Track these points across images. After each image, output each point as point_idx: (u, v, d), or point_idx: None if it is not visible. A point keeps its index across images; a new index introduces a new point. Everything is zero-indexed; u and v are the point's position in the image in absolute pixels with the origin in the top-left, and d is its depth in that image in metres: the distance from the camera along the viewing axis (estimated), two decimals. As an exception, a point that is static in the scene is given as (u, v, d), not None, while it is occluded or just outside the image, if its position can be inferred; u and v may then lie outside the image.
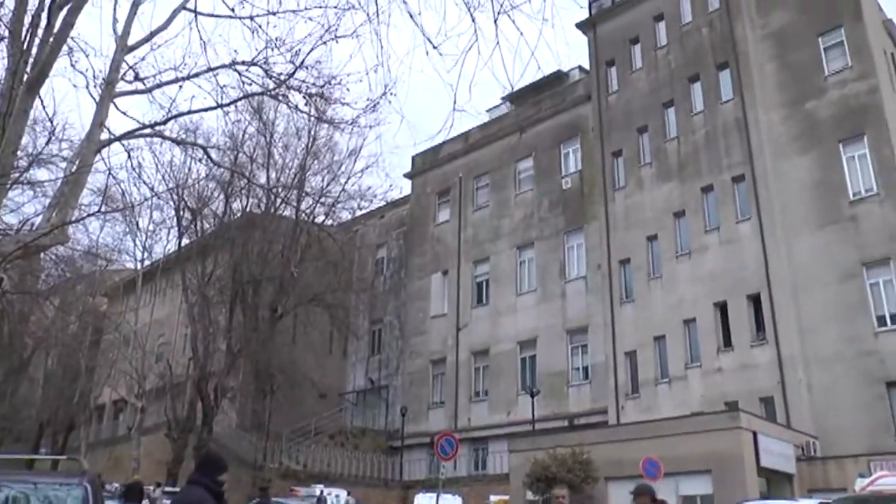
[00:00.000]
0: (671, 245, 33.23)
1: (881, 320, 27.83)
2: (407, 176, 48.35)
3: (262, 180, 38.42)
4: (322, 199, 40.70)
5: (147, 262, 44.23)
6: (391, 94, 13.90)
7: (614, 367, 33.17)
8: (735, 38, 33.82)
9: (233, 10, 12.85)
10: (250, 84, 14.36)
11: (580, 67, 42.68)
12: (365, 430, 43.07)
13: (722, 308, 31.10)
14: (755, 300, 30.36)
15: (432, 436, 34.03)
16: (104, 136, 12.94)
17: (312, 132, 39.10)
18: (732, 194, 32.16)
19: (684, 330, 31.76)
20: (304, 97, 14.48)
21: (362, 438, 41.64)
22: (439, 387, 41.64)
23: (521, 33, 9.28)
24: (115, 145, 13.69)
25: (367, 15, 10.72)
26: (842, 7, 31.87)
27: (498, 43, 9.22)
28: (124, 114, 13.73)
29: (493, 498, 28.13)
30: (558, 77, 41.23)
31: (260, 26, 13.19)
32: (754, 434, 22.97)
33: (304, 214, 40.49)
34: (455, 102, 9.82)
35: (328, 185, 41.08)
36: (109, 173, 17.36)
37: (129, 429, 45.87)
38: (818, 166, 30.70)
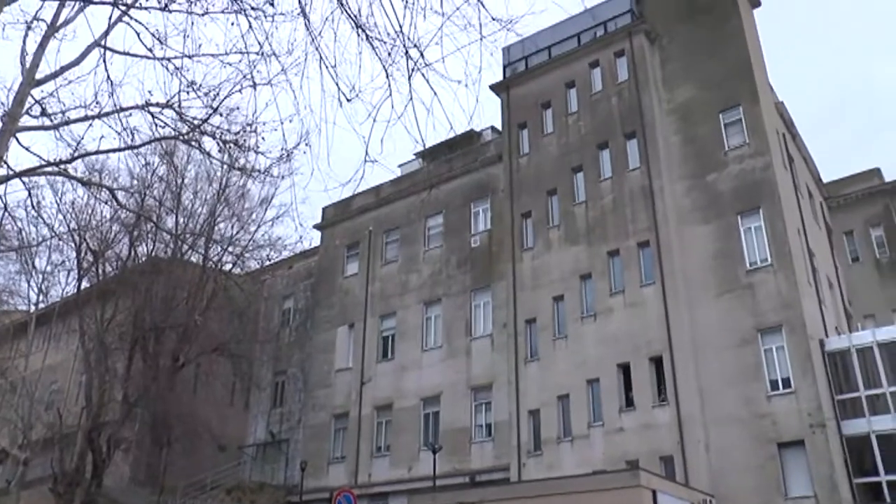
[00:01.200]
0: (577, 306, 33.57)
1: (774, 384, 28.81)
2: (317, 227, 47.59)
3: (170, 225, 37.37)
4: (230, 247, 39.74)
5: (42, 305, 42.30)
6: (305, 144, 13.69)
7: (517, 425, 32.96)
8: (642, 110, 34.92)
9: (150, 50, 12.49)
10: (163, 127, 13.93)
11: (493, 128, 43.30)
12: (263, 484, 41.62)
13: (625, 369, 31.45)
14: (657, 362, 30.84)
15: (331, 491, 33.19)
16: (2, 171, 12.32)
17: (224, 179, 38.40)
18: (638, 259, 32.82)
19: (588, 389, 31.91)
20: (217, 143, 14.11)
21: (260, 493, 40.23)
22: (341, 441, 40.60)
23: (435, 93, 9.26)
24: (14, 182, 13.04)
25: (283, 66, 10.56)
26: (740, 88, 33.51)
27: (411, 99, 9.17)
28: (27, 149, 13.13)
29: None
30: (471, 136, 41.66)
31: (177, 68, 12.85)
32: (653, 492, 23.04)
33: (211, 262, 39.47)
34: (367, 154, 9.69)
35: (237, 232, 40.22)
36: (6, 210, 16.56)
37: (9, 482, 43.23)
38: (718, 236, 31.82)
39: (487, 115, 75.65)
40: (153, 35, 12.46)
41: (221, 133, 13.90)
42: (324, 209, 47.47)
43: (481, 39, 9.17)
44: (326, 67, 9.92)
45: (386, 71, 9.63)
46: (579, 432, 31.42)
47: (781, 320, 29.39)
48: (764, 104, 33.62)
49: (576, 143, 36.60)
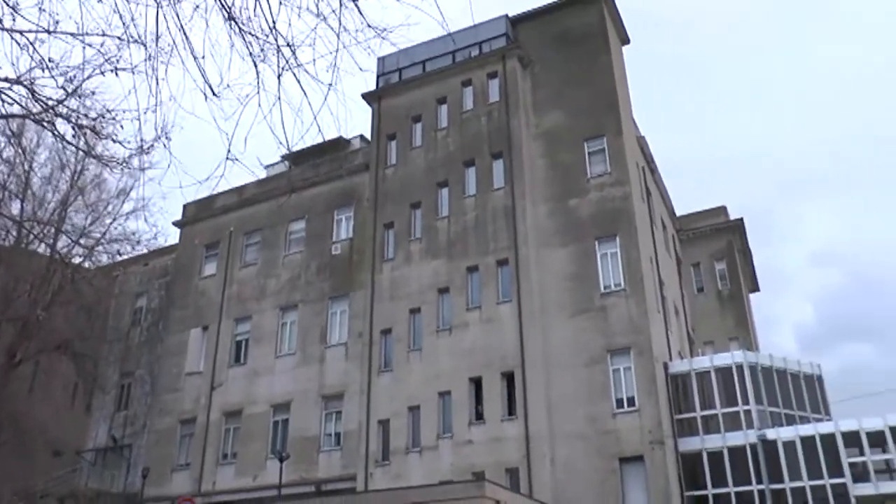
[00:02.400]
0: (433, 319, 33.57)
1: (619, 403, 29.71)
2: (177, 224, 45.62)
3: (15, 211, 35.11)
4: (82, 239, 37.53)
5: None
6: (167, 136, 13.05)
7: (367, 435, 32.53)
8: (510, 132, 35.45)
9: (0, 21, 11.65)
10: (11, 104, 12.99)
11: (362, 136, 43.02)
12: (101, 492, 39.28)
13: (477, 383, 31.59)
14: (509, 377, 31.14)
15: (173, 500, 31.86)
16: None
17: (79, 166, 36.33)
18: (496, 277, 33.18)
19: (439, 402, 31.85)
20: (73, 128, 13.25)
21: (97, 502, 38.15)
22: (187, 447, 38.80)
23: (305, 94, 9.02)
24: None
25: (149, 53, 9.99)
26: (606, 119, 34.61)
27: (280, 98, 8.90)
28: None
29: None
30: (339, 143, 41.16)
31: (30, 43, 12.01)
32: (497, 503, 23.28)
33: (59, 254, 37.20)
34: (229, 151, 9.33)
35: (91, 224, 38.02)
36: None
37: None
38: (575, 259, 32.62)
39: (358, 123, 75.46)
40: (3, 2, 11.63)
41: (77, 117, 13.04)
42: (185, 206, 45.64)
43: (352, 45, 8.99)
44: (195, 59, 9.47)
45: (256, 67, 9.30)
46: (428, 443, 31.31)
47: (630, 343, 30.37)
48: (627, 137, 34.81)
49: (443, 159, 36.80)
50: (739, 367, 30.94)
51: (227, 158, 9.44)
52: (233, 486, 35.84)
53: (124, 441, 42.38)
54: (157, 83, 9.90)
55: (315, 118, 8.78)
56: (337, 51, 8.94)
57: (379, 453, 32.21)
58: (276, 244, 41.10)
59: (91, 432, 44.26)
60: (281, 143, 9.49)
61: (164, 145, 11.97)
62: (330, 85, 9.10)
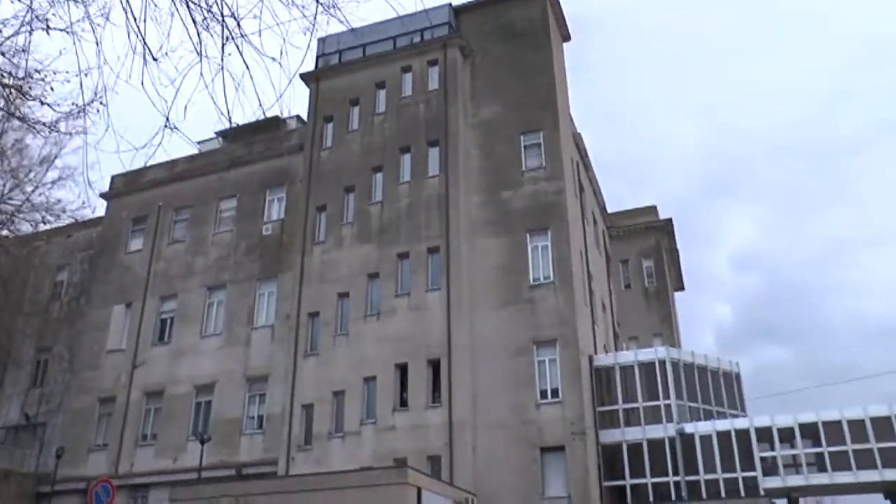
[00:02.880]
0: (362, 304, 33.27)
1: (543, 394, 29.92)
2: (104, 196, 43.97)
3: (-77, 173, 33.55)
4: (0, 206, 36.15)
5: None
6: (102, 101, 12.48)
7: (290, 419, 32.13)
8: (448, 121, 35.25)
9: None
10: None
11: (298, 117, 42.40)
12: (10, 472, 37.77)
13: (403, 369, 31.42)
14: (435, 365, 31.05)
15: (89, 481, 30.94)
16: None
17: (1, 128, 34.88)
18: (426, 264, 33.01)
19: (364, 387, 31.61)
20: (-4, 85, 12.65)
21: (4, 483, 36.67)
22: (105, 427, 37.50)
23: (247, 66, 8.75)
24: None
25: (86, 13, 9.54)
26: (543, 114, 34.69)
27: (222, 68, 8.62)
28: None
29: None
30: (275, 122, 40.37)
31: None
32: (419, 490, 23.11)
33: (-27, 221, 35.74)
34: (167, 121, 9.01)
35: (11, 191, 36.60)
36: None
37: None
38: (506, 251, 32.69)
39: (295, 103, 74.47)
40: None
41: (2, 75, 12.50)
42: (113, 178, 44.04)
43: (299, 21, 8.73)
44: (134, 20, 9.07)
45: (199, 35, 8.95)
46: (351, 429, 31.06)
47: (557, 335, 30.60)
48: (563, 132, 34.94)
49: (379, 144, 36.47)
50: (662, 363, 31.51)
51: (166, 127, 9.11)
52: (152, 467, 34.90)
53: (38, 419, 40.89)
54: (97, 44, 9.45)
55: (257, 93, 8.51)
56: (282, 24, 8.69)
57: (301, 438, 31.81)
58: (205, 222, 40.22)
59: (2, 409, 42.74)
60: (222, 114, 9.17)
61: (99, 109, 11.46)
62: (274, 59, 8.84)
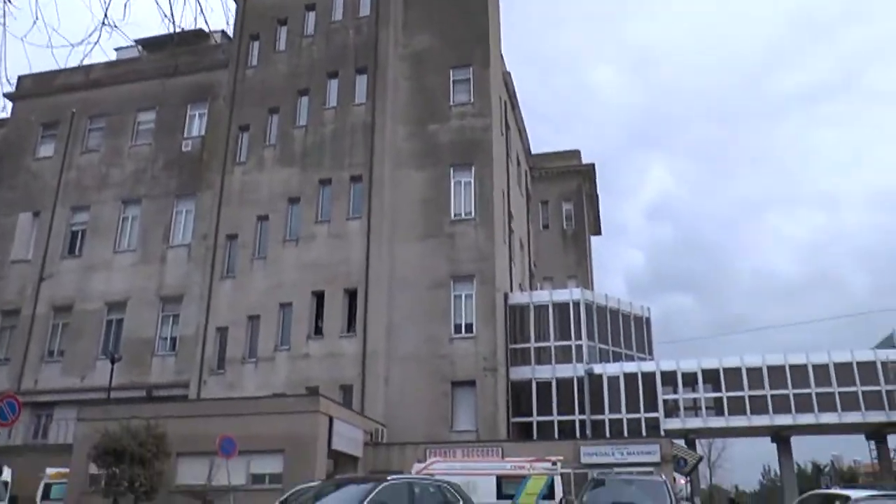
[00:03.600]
0: (281, 229, 32.59)
1: (458, 328, 30.08)
2: (9, 97, 41.04)
3: None
4: None
5: None
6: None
7: (203, 341, 31.41)
8: (378, 49, 34.25)
9: None
10: None
11: (223, 33, 40.65)
12: None
13: (319, 297, 31.07)
14: (352, 294, 30.80)
15: (-13, 394, 29.85)
16: None
17: None
18: (348, 192, 32.48)
19: (280, 313, 31.15)
20: None
21: None
22: (7, 341, 35.80)
23: None
24: None
25: None
26: (475, 50, 33.98)
27: None
28: None
29: (49, 471, 24.17)
30: (200, 36, 38.62)
31: None
32: (330, 419, 23.05)
33: None
34: (106, 16, 8.34)
35: None
36: None
37: None
38: (430, 184, 32.34)
39: (221, 18, 71.48)
40: None
41: None
42: (20, 78, 40.93)
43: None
44: None
45: None
46: (265, 354, 30.66)
47: (475, 271, 30.64)
48: (493, 70, 34.31)
49: (306, 67, 35.21)
50: (576, 304, 32.02)
51: (104, 24, 8.42)
52: (58, 385, 33.62)
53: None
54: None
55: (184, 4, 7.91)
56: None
57: (215, 361, 31.26)
58: (122, 132, 38.30)
59: None
60: (165, 16, 8.54)
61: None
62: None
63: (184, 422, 22.43)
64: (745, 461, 68.38)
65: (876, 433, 31.80)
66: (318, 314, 31.03)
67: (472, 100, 33.39)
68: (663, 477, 13.97)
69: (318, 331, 30.69)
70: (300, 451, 21.74)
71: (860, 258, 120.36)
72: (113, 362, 29.81)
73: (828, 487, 25.71)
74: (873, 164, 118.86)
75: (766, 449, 58.94)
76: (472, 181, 32.15)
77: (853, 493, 17.50)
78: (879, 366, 30.13)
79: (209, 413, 22.99)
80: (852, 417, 29.76)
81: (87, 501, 21.81)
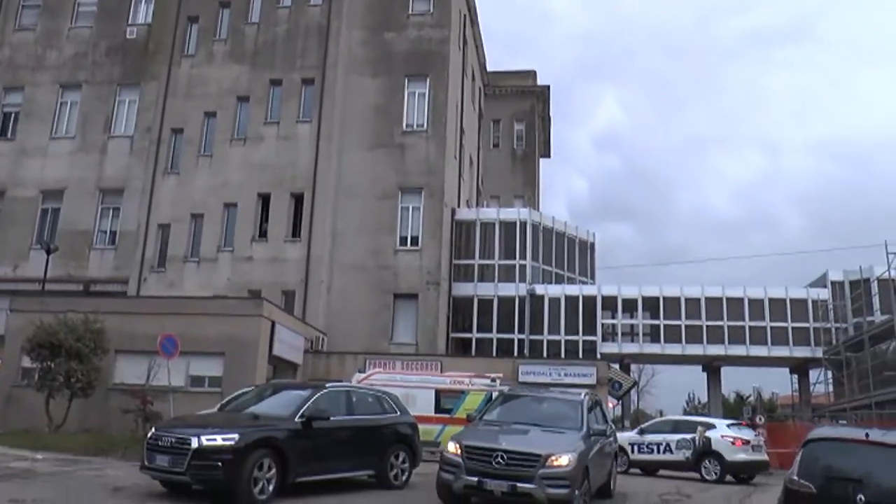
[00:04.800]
0: (228, 127, 31.26)
1: (403, 240, 29.65)
2: None
3: None
4: None
5: None
6: None
7: (144, 238, 30.26)
8: (336, -52, 32.74)
9: None
10: None
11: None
12: None
13: (265, 199, 30.20)
14: (298, 199, 30.00)
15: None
16: None
17: None
18: (299, 95, 31.31)
19: (224, 213, 30.18)
20: None
21: None
22: None
23: None
24: None
25: None
26: (437, -42, 32.44)
27: None
28: None
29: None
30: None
31: None
32: (273, 323, 22.58)
33: None
34: None
35: None
36: None
37: None
38: (383, 92, 31.34)
39: None
40: None
41: None
42: None
43: None
44: None
45: None
46: (208, 255, 29.72)
47: (423, 183, 30.05)
48: (454, -21, 33.23)
49: (262, -40, 33.49)
50: (523, 224, 31.81)
51: None
52: (-13, 274, 32.35)
53: None
54: None
55: None
56: None
57: (156, 259, 30.21)
58: (60, 12, 35.46)
59: None
60: None
61: None
62: None
63: (123, 318, 21.59)
64: (672, 388, 70.88)
65: (800, 368, 32.91)
66: (264, 217, 30.20)
67: (431, 9, 32.23)
68: (582, 395, 11.92)
69: (263, 234, 29.90)
70: (241, 354, 21.26)
71: (797, 202, 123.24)
72: (48, 253, 28.24)
73: (750, 416, 26.59)
74: (818, 113, 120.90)
75: (693, 377, 61.04)
76: (427, 93, 31.28)
77: (717, 422, 19.30)
78: (810, 304, 30.97)
79: (150, 311, 22.21)
80: (780, 351, 30.68)
81: (19, 395, 21.00)
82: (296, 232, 29.75)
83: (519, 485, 9.44)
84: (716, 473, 18.32)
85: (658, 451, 19.27)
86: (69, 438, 16.79)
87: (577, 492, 9.59)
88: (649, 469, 19.25)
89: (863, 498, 7.16)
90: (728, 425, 20.02)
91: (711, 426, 19.51)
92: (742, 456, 18.73)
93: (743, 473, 19.07)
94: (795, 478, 7.79)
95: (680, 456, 18.91)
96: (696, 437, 18.83)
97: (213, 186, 30.53)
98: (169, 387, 18.33)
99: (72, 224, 32.13)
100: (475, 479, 9.61)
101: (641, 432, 19.87)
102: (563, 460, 9.60)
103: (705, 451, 18.58)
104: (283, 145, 30.68)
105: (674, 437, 19.23)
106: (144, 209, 30.85)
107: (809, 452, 8.11)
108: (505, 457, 9.61)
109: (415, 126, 30.99)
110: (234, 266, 29.41)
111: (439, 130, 30.67)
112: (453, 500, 10.07)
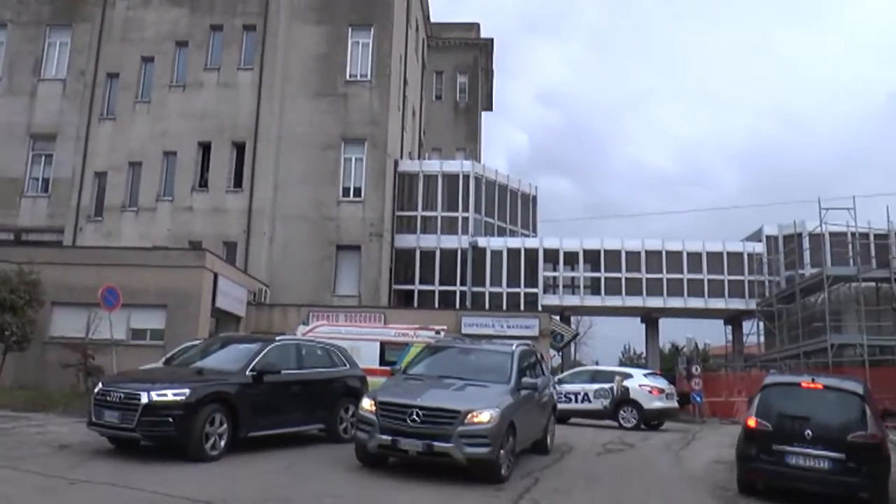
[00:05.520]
0: (167, 73, 30.18)
1: (346, 191, 29.29)
2: None
3: None
4: None
5: None
6: None
7: (80, 186, 29.23)
8: None
9: None
10: None
11: None
12: None
13: (206, 148, 29.39)
14: (240, 148, 29.33)
15: None
16: None
17: None
18: (240, 41, 30.36)
19: (163, 161, 29.29)
20: None
21: None
22: None
23: None
24: None
25: None
26: None
27: None
28: None
29: None
30: None
31: None
32: (216, 275, 22.06)
33: None
34: None
35: None
36: None
37: None
38: (326, 41, 30.63)
39: None
40: None
41: None
42: None
43: None
44: None
45: None
46: (147, 204, 28.89)
47: (367, 134, 29.61)
48: (397, -72, 32.37)
49: None
50: (466, 177, 31.66)
51: None
52: None
53: None
54: None
55: None
56: None
57: (92, 208, 29.24)
58: (-15, -56, 33.94)
59: None
60: None
61: None
62: None
63: (60, 269, 20.78)
64: (608, 339, 72.30)
65: (734, 319, 33.77)
66: (205, 166, 29.40)
67: (375, -42, 31.38)
68: (514, 346, 11.09)
69: (204, 183, 29.15)
70: (183, 307, 20.73)
71: (733, 159, 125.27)
72: (-25, 200, 27.21)
73: (686, 366, 27.15)
74: (755, 72, 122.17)
75: (631, 328, 62.34)
76: (371, 42, 30.65)
77: (634, 371, 19.75)
78: (746, 257, 31.68)
79: (88, 262, 21.35)
80: (717, 303, 31.44)
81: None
82: (238, 182, 29.09)
83: (435, 444, 8.69)
84: (633, 421, 18.82)
85: (576, 401, 19.57)
86: (5, 394, 16.25)
87: (500, 451, 8.93)
88: (563, 418, 19.44)
89: (810, 433, 9.08)
90: (645, 374, 20.57)
91: (629, 376, 20.00)
92: (658, 404, 19.28)
93: (656, 420, 19.53)
94: (754, 417, 9.45)
95: (598, 405, 19.31)
96: (615, 387, 19.25)
97: (152, 134, 29.57)
98: (111, 340, 17.82)
99: (0, 171, 30.77)
100: (389, 438, 8.87)
101: (560, 382, 20.05)
102: (484, 416, 8.84)
103: (623, 400, 19.09)
104: (224, 93, 29.83)
105: (592, 387, 19.58)
106: (80, 156, 29.76)
107: (766, 396, 9.78)
108: (421, 414, 8.83)
109: (358, 76, 30.40)
110: (174, 216, 28.66)
111: (383, 81, 30.16)
112: (369, 460, 9.40)
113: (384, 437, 8.91)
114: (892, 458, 9.24)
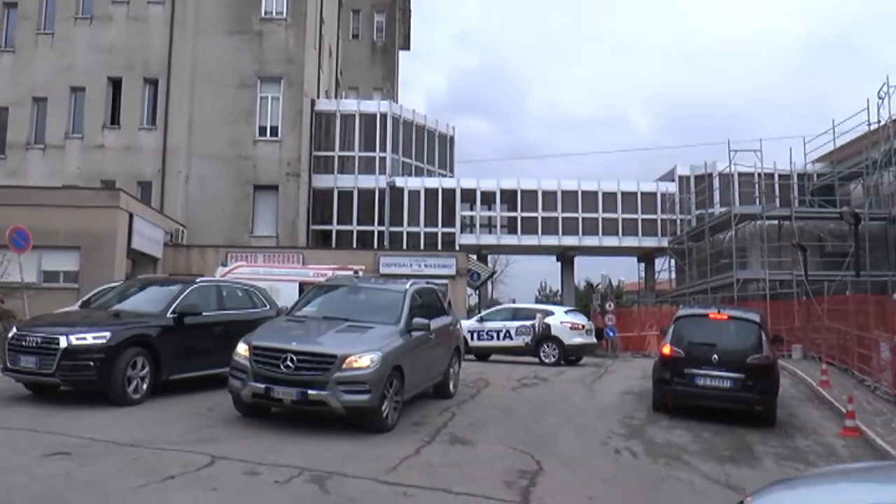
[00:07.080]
0: (71, 4, 28.66)
1: (262, 131, 28.68)
2: None
3: None
4: None
5: None
6: None
7: (-19, 121, 28.07)
8: None
9: None
10: None
11: None
12: None
13: (116, 84, 28.25)
14: (153, 85, 28.32)
15: None
16: None
17: None
18: (150, -29, 29.20)
19: (71, 97, 28.01)
20: None
21: None
22: None
23: None
24: None
25: None
26: None
27: None
28: None
29: None
30: None
31: None
32: (131, 215, 21.45)
33: None
34: None
35: None
36: None
37: None
38: (240, -24, 29.57)
39: None
40: None
41: None
42: None
43: None
44: None
45: None
46: (54, 142, 27.67)
47: (283, 73, 28.90)
48: None
49: None
50: (383, 117, 31.28)
51: None
52: None
53: None
54: None
55: None
56: None
57: (-7, 145, 28.02)
58: None
59: None
60: None
61: None
62: None
63: (-36, 210, 19.87)
64: (526, 277, 73.12)
65: (647, 256, 34.67)
66: (116, 103, 28.26)
67: None
68: (408, 285, 10.32)
69: (116, 121, 28.05)
70: (98, 248, 20.11)
71: (648, 102, 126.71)
72: None
73: (600, 302, 27.69)
74: (669, 15, 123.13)
75: (547, 266, 62.96)
76: (286, -22, 29.67)
77: (555, 308, 20.21)
78: (659, 197, 32.45)
79: (-7, 202, 20.50)
80: (630, 241, 32.25)
81: None
82: (152, 120, 28.10)
83: (310, 391, 7.91)
84: (554, 357, 19.00)
85: (498, 338, 19.62)
86: None
87: (383, 398, 8.24)
88: (485, 355, 19.62)
89: (716, 357, 10.44)
90: (566, 311, 20.79)
91: (550, 313, 20.16)
92: (578, 340, 19.50)
93: (576, 356, 19.88)
94: (669, 345, 10.79)
95: (520, 342, 19.36)
96: (536, 324, 19.42)
97: (58, 68, 28.15)
98: (21, 283, 17.12)
99: None
100: (262, 385, 8.06)
101: (481, 320, 20.19)
102: (364, 361, 8.08)
103: (544, 337, 19.19)
104: (134, 27, 28.58)
105: (513, 324, 19.61)
106: (-22, 91, 28.17)
107: (678, 327, 11.11)
108: (295, 359, 8.04)
109: (274, 13, 29.50)
110: (85, 154, 27.56)
111: (299, 19, 29.36)
112: (244, 410, 8.61)
113: (258, 384, 8.11)
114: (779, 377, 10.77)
